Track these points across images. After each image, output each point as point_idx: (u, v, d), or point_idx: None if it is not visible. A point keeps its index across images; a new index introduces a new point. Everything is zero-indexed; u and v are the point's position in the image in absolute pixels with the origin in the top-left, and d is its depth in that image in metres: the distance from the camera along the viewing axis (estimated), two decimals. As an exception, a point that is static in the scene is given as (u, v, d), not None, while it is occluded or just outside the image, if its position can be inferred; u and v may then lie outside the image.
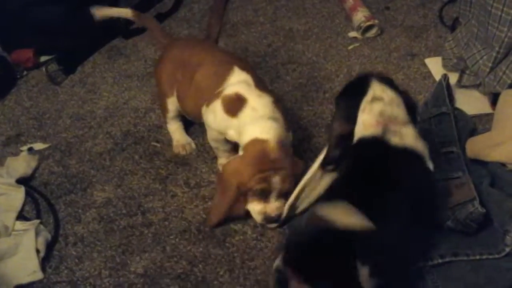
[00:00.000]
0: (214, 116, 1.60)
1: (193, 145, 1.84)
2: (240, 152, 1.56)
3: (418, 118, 1.40)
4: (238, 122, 1.56)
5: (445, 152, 1.59)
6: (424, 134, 1.68)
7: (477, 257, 1.42)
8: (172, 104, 1.79)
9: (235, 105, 1.57)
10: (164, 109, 1.82)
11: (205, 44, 1.93)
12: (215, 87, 1.63)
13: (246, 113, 1.56)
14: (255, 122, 1.54)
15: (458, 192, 1.46)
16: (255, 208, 1.55)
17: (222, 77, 1.63)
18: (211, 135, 1.68)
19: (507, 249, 1.41)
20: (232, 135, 1.59)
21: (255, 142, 1.52)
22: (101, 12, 1.81)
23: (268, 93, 1.62)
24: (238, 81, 1.61)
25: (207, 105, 1.62)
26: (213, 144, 1.72)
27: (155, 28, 1.98)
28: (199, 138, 1.85)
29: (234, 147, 1.66)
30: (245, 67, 1.66)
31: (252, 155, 1.51)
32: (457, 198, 1.44)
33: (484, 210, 1.41)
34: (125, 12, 1.82)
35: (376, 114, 1.30)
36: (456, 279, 1.39)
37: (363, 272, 1.17)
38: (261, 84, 1.64)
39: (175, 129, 1.85)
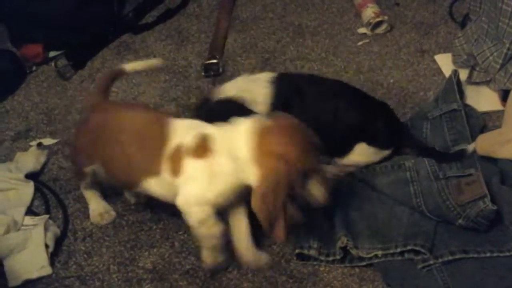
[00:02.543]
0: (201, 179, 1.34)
1: (113, 213, 1.64)
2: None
3: None
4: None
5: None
6: (435, 131, 1.69)
7: (488, 254, 1.41)
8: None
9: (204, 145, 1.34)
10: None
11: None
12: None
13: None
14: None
15: (469, 189, 1.45)
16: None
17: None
18: (198, 218, 1.36)
19: (518, 247, 1.40)
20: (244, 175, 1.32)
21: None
22: None
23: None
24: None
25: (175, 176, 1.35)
26: (207, 239, 1.40)
27: None
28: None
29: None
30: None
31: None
32: (468, 196, 1.44)
33: (495, 207, 1.41)
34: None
35: None
36: (466, 277, 1.39)
37: None
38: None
39: (90, 197, 1.65)
